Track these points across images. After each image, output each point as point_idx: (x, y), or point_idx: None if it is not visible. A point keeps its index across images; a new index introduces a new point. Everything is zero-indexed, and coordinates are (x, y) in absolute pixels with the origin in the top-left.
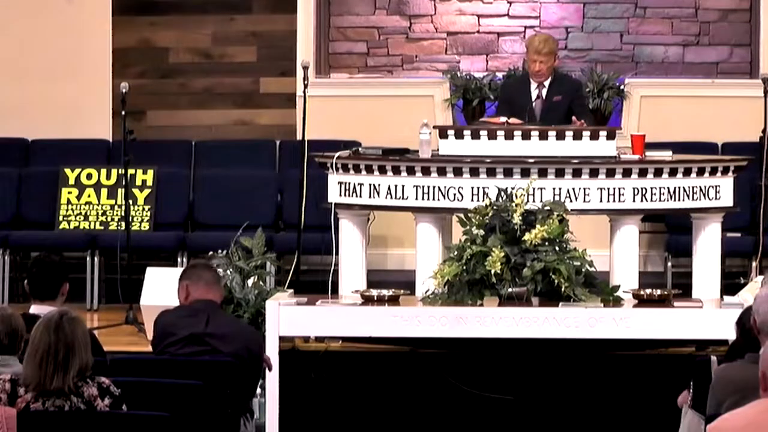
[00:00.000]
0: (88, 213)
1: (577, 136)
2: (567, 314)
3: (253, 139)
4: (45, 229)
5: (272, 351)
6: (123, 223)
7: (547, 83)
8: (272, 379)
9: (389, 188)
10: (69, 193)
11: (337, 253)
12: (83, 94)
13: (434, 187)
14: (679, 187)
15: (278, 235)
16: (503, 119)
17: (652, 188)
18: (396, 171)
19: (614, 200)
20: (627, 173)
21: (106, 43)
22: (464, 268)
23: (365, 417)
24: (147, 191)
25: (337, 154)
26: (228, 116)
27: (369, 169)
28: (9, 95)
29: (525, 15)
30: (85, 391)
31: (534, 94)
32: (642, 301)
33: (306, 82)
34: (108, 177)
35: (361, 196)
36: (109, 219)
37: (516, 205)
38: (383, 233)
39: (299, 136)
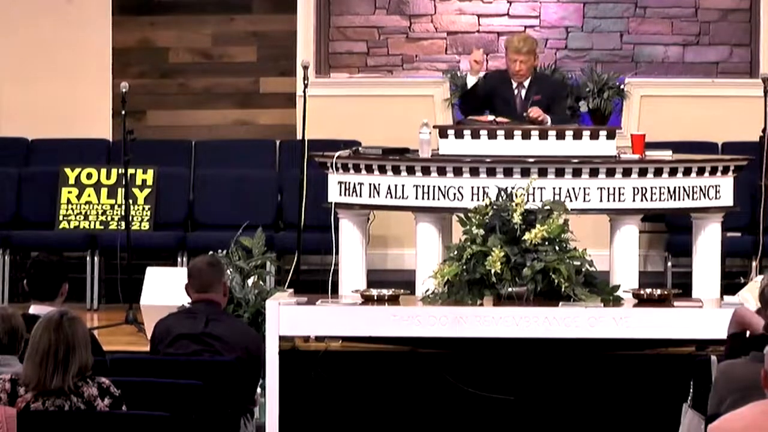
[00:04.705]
0: (88, 213)
1: (577, 135)
2: (567, 314)
3: (253, 139)
4: (45, 229)
5: (272, 351)
6: (123, 223)
7: (526, 83)
8: (272, 379)
9: (389, 188)
10: (69, 192)
11: (337, 253)
12: (83, 94)
13: (434, 187)
14: (679, 187)
15: (278, 235)
16: (491, 117)
17: (652, 188)
18: (396, 171)
19: (614, 200)
20: (627, 173)
21: (106, 43)
22: (464, 267)
23: (365, 417)
24: (147, 191)
25: (337, 154)
26: (228, 116)
27: (369, 169)
28: (9, 95)
29: (525, 15)
30: (85, 391)
31: (514, 92)
32: (642, 301)
33: (306, 82)
34: (108, 177)
35: (361, 195)
36: (109, 219)
37: (516, 205)
38: (383, 233)
39: (299, 136)
